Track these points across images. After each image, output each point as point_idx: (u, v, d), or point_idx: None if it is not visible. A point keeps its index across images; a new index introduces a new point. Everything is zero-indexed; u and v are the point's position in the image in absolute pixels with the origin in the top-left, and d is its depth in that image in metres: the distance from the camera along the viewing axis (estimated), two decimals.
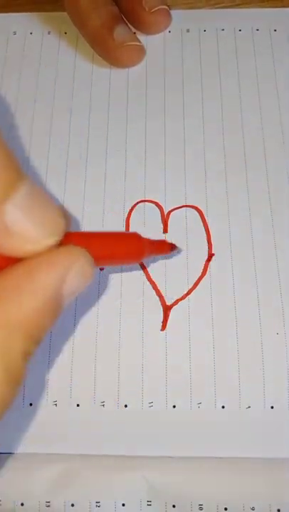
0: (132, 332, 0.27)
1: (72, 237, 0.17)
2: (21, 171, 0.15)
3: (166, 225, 0.29)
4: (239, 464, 0.25)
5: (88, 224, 0.29)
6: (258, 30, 0.34)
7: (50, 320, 0.16)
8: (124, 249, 0.21)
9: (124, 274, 0.28)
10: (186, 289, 0.27)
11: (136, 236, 0.22)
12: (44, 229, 0.15)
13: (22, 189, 0.15)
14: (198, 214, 0.29)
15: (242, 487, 0.24)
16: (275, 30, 0.34)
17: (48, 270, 0.16)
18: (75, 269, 0.16)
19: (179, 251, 0.26)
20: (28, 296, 0.15)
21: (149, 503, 0.24)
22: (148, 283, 0.27)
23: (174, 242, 0.25)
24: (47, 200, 0.16)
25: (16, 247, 0.15)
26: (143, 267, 0.28)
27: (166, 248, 0.24)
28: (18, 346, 0.15)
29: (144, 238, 0.22)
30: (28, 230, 0.15)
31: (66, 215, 0.17)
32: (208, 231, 0.29)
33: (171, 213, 0.29)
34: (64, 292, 0.16)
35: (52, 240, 0.16)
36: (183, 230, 0.29)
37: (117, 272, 0.28)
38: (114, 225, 0.29)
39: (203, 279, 0.27)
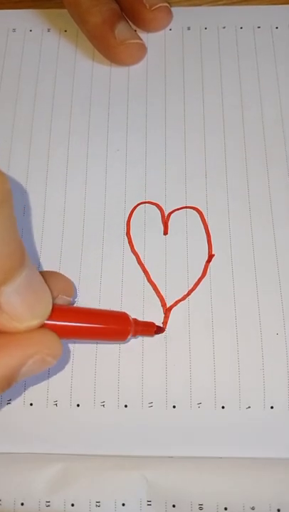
0: None
1: (55, 311, 0.19)
2: (25, 256, 0.17)
3: (166, 227, 0.29)
4: (239, 464, 0.25)
5: (89, 225, 0.29)
6: (259, 27, 0.34)
7: None
8: (110, 328, 0.23)
9: (125, 275, 0.28)
10: (186, 289, 0.27)
11: (124, 316, 0.23)
12: (32, 312, 0.17)
13: (22, 275, 0.16)
14: (198, 215, 0.29)
15: (242, 487, 0.24)
16: (276, 28, 0.34)
17: (13, 353, 0.17)
18: (38, 356, 0.18)
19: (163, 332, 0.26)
20: None
21: (149, 503, 0.24)
22: (148, 284, 0.27)
23: (161, 326, 0.26)
24: (41, 287, 0.18)
25: (2, 323, 0.17)
26: (143, 268, 0.28)
27: (152, 330, 0.25)
28: None
29: (131, 319, 0.23)
30: (18, 311, 0.17)
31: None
32: (208, 232, 0.28)
33: (172, 214, 0.29)
34: (20, 373, 0.18)
35: (35, 323, 0.18)
36: (183, 231, 0.29)
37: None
38: (115, 226, 0.29)
39: (203, 279, 0.27)
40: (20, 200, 0.30)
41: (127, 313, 0.23)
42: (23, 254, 0.17)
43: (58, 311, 0.19)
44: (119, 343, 0.26)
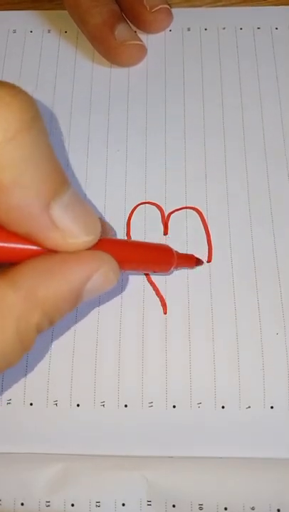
0: (133, 333, 0.27)
1: (105, 243, 0.19)
2: (65, 174, 0.17)
3: (166, 227, 0.29)
4: (239, 464, 0.25)
5: None
6: (259, 28, 0.34)
7: (68, 308, 0.18)
8: (155, 258, 0.24)
9: (125, 275, 0.28)
10: (186, 290, 0.27)
11: (167, 248, 0.24)
12: (84, 227, 0.18)
13: (68, 191, 0.17)
14: (198, 215, 0.29)
15: (242, 487, 0.24)
16: (276, 29, 0.34)
17: (78, 266, 0.18)
18: (100, 271, 0.18)
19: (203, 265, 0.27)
20: (56, 282, 0.18)
21: (149, 503, 0.24)
22: (148, 285, 0.27)
23: (200, 259, 0.27)
24: (87, 205, 0.18)
25: (57, 240, 0.17)
26: None
27: (192, 262, 0.26)
28: (35, 319, 0.17)
29: (174, 251, 0.24)
30: (70, 226, 0.17)
31: (105, 224, 0.20)
32: (208, 232, 0.28)
33: (172, 215, 0.29)
34: (86, 288, 0.18)
35: (89, 238, 0.18)
36: (183, 232, 0.29)
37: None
38: (115, 226, 0.29)
39: (203, 280, 0.27)
40: None
41: (169, 245, 0.24)
42: (64, 172, 0.17)
43: (106, 241, 0.20)
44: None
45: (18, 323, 0.17)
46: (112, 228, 0.26)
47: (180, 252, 0.25)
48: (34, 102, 0.16)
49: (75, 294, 0.18)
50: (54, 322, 0.19)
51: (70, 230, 0.17)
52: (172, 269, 0.25)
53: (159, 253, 0.24)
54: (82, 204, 0.18)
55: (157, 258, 0.24)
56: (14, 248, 0.17)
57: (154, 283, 0.27)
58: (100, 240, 0.19)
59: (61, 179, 0.17)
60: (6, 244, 0.17)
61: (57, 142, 0.31)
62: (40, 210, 0.17)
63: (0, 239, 0.17)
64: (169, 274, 0.27)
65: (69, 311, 0.19)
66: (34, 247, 0.18)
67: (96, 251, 0.19)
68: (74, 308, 0.19)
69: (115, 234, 0.28)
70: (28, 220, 0.17)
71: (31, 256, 0.18)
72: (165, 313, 0.27)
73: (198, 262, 0.26)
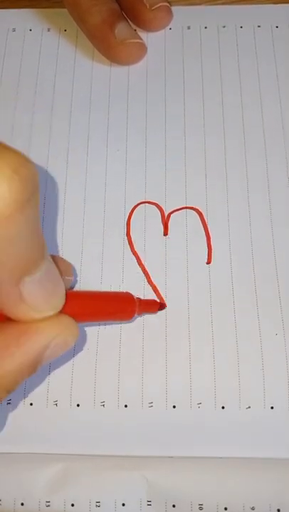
0: (132, 332, 0.26)
1: (69, 297, 0.19)
2: (45, 249, 0.17)
3: (166, 227, 0.29)
4: (239, 464, 0.25)
5: (89, 226, 0.29)
6: (259, 26, 0.34)
7: (26, 376, 0.19)
8: (117, 308, 0.24)
9: (125, 276, 0.28)
10: (186, 290, 0.27)
11: (129, 297, 0.24)
12: (50, 303, 0.18)
13: (43, 267, 0.17)
14: (198, 215, 0.29)
15: (242, 487, 0.24)
16: (276, 27, 0.34)
17: (35, 337, 0.18)
18: (58, 338, 0.19)
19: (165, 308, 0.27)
20: (12, 359, 0.18)
21: (149, 503, 0.24)
22: (148, 285, 0.27)
23: (163, 302, 0.27)
24: (57, 279, 0.18)
25: (20, 312, 0.18)
26: (143, 268, 0.28)
27: (156, 307, 0.26)
28: None
29: (135, 298, 0.24)
30: (37, 302, 0.18)
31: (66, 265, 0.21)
32: (208, 232, 0.28)
33: (172, 215, 0.29)
34: (44, 356, 0.19)
35: (52, 313, 0.19)
36: (183, 232, 0.29)
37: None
38: (115, 226, 0.29)
39: (203, 280, 0.27)
40: None
41: (130, 292, 0.24)
42: (44, 247, 0.17)
43: (67, 295, 0.20)
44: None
45: None
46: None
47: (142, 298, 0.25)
48: (36, 176, 0.15)
49: (33, 364, 0.19)
50: (12, 391, 0.19)
51: (36, 306, 0.18)
52: (135, 315, 0.24)
53: (121, 303, 0.24)
54: (53, 279, 0.18)
55: (119, 308, 0.24)
56: None
57: (154, 284, 0.27)
58: None
59: (39, 255, 0.17)
60: None
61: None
62: (10, 285, 0.17)
63: None
64: (131, 322, 0.26)
65: (27, 378, 0.19)
66: None
67: (55, 318, 0.19)
68: (33, 373, 0.19)
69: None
70: None
71: None
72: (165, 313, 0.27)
73: (161, 306, 0.26)
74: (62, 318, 0.19)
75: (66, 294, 0.19)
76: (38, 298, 0.18)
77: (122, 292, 0.24)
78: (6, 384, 0.18)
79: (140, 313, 0.25)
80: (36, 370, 0.19)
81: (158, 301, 0.27)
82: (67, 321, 0.19)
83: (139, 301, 0.24)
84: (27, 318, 0.18)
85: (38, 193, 0.16)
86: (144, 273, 0.28)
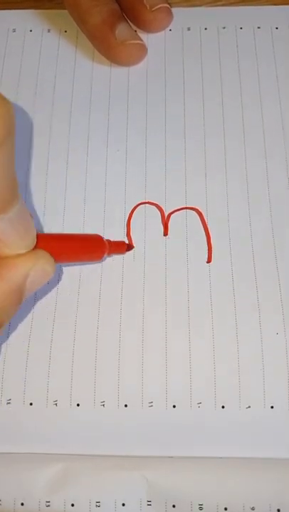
0: (133, 333, 0.27)
1: (40, 238, 0.21)
2: (17, 190, 0.18)
3: (166, 228, 0.29)
4: (239, 464, 0.25)
5: (89, 226, 0.29)
6: (259, 27, 0.34)
7: (13, 307, 0.21)
8: (88, 248, 0.25)
9: (125, 275, 0.28)
10: (186, 289, 0.27)
11: (98, 238, 0.26)
12: (22, 241, 0.20)
13: (16, 207, 0.18)
14: (198, 216, 0.29)
15: (242, 487, 0.24)
16: (276, 28, 0.34)
17: (15, 268, 0.20)
18: (36, 268, 0.20)
19: (133, 249, 0.28)
20: None
21: (149, 503, 0.24)
22: (148, 285, 0.27)
23: (131, 243, 0.28)
24: (29, 219, 0.20)
25: None
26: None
27: (123, 248, 0.28)
28: None
29: (105, 240, 0.26)
30: (10, 239, 0.19)
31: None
32: (208, 232, 0.28)
33: (172, 215, 0.29)
34: (27, 285, 0.20)
35: (24, 251, 0.20)
36: (183, 232, 0.29)
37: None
38: (115, 226, 0.29)
39: (203, 279, 0.27)
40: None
41: (100, 235, 0.26)
42: (17, 188, 0.18)
43: (41, 236, 0.21)
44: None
45: None
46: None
47: (111, 240, 0.27)
48: (12, 116, 0.16)
49: (17, 292, 0.20)
50: (3, 323, 0.21)
51: (9, 243, 0.19)
52: (105, 256, 0.27)
53: (91, 243, 0.26)
54: (25, 218, 0.19)
55: (90, 248, 0.26)
56: None
57: (153, 284, 0.27)
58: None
59: (12, 195, 0.18)
60: None
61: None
62: None
63: None
64: (101, 262, 0.28)
65: (15, 309, 0.21)
66: None
67: (31, 251, 0.20)
68: (19, 305, 0.21)
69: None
70: None
71: None
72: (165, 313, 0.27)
73: (128, 247, 0.28)
74: (36, 250, 0.21)
75: (38, 235, 0.21)
76: (11, 236, 0.19)
77: (92, 234, 0.26)
78: None
79: (110, 254, 0.27)
80: (22, 300, 0.21)
81: (126, 242, 0.28)
82: (41, 252, 0.21)
83: (108, 242, 0.26)
84: (1, 254, 0.19)
85: (14, 131, 0.16)
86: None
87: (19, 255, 0.20)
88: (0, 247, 0.19)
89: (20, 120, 0.32)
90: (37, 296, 0.27)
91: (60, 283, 0.28)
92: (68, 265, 0.28)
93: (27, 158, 0.31)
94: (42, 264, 0.20)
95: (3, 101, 0.15)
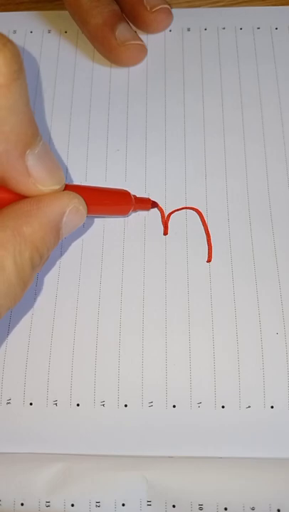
0: (133, 332, 0.27)
1: (71, 187, 0.22)
2: (38, 129, 0.19)
3: (166, 227, 0.29)
4: (239, 464, 0.25)
5: (89, 226, 0.29)
6: (259, 28, 0.34)
7: (52, 241, 0.21)
8: (115, 201, 0.26)
9: (125, 275, 0.28)
10: (186, 289, 0.27)
11: (126, 192, 0.27)
12: (53, 177, 0.20)
13: (40, 143, 0.19)
14: (198, 216, 0.29)
15: (242, 487, 0.24)
16: (276, 29, 0.34)
17: (52, 203, 0.20)
18: (71, 206, 0.21)
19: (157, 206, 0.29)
20: (36, 219, 0.20)
21: (149, 503, 0.24)
22: (148, 284, 0.27)
23: (155, 201, 0.29)
24: (54, 157, 0.20)
25: (29, 186, 0.20)
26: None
27: (148, 204, 0.28)
28: (28, 253, 0.19)
29: (132, 195, 0.27)
30: (41, 175, 0.19)
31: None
32: (208, 232, 0.28)
33: (172, 215, 0.29)
34: (64, 222, 0.21)
35: (57, 187, 0.21)
36: (183, 232, 0.29)
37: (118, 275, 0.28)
38: (115, 226, 0.29)
39: (203, 278, 0.27)
40: None
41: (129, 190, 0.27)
42: (37, 125, 0.19)
43: (70, 186, 0.22)
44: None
45: (15, 259, 0.19)
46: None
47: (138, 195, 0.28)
48: (20, 53, 0.17)
49: (55, 228, 0.21)
50: (44, 257, 0.21)
51: (41, 178, 0.20)
52: (131, 211, 0.27)
53: (119, 196, 0.27)
54: (51, 156, 0.20)
55: (117, 200, 0.26)
56: None
57: (153, 284, 0.27)
58: (66, 185, 0.21)
59: (35, 131, 0.19)
60: None
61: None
62: (16, 158, 0.18)
63: None
64: (127, 216, 0.29)
65: (54, 245, 0.21)
66: (8, 195, 0.20)
67: (64, 191, 0.21)
68: (58, 242, 0.21)
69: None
70: (5, 166, 0.19)
71: (8, 203, 0.20)
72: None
73: (153, 204, 0.29)
74: (70, 192, 0.21)
75: (67, 185, 0.22)
76: (42, 171, 0.19)
77: (120, 188, 0.27)
78: (36, 240, 0.20)
79: (135, 210, 0.28)
80: (59, 239, 0.21)
81: (151, 199, 0.29)
82: (74, 193, 0.21)
83: (134, 197, 0.27)
84: (35, 192, 0.20)
85: (24, 68, 0.17)
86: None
87: (54, 193, 0.21)
88: (33, 183, 0.20)
89: None
90: (36, 295, 0.27)
91: (59, 282, 0.28)
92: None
93: None
94: (76, 204, 0.21)
95: (10, 40, 0.17)
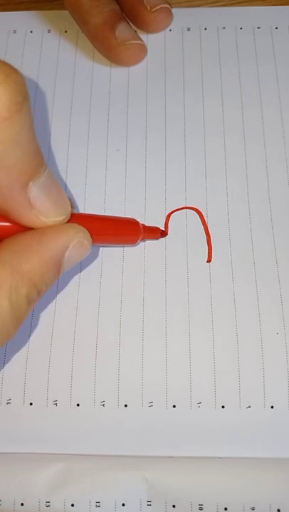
0: (133, 333, 0.27)
1: (77, 218, 0.21)
2: (43, 156, 0.18)
3: (166, 227, 0.29)
4: (239, 464, 0.25)
5: None
6: (259, 28, 0.34)
7: (52, 277, 0.20)
8: (123, 231, 0.26)
9: (125, 275, 0.28)
10: (186, 289, 0.27)
11: (134, 221, 0.26)
12: (57, 208, 0.19)
13: (45, 172, 0.18)
14: (198, 215, 0.29)
15: (242, 487, 0.24)
16: (276, 28, 0.34)
17: (56, 237, 0.20)
18: (75, 240, 0.20)
19: (166, 236, 0.29)
20: (37, 254, 0.19)
21: (149, 503, 0.24)
22: (148, 286, 0.27)
23: (166, 231, 0.28)
24: (60, 186, 0.20)
25: (32, 218, 0.19)
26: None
27: (158, 234, 0.28)
28: (25, 290, 0.19)
29: (140, 224, 0.26)
30: (45, 206, 0.19)
31: (72, 203, 0.21)
32: (208, 232, 0.28)
33: (172, 215, 0.29)
34: (66, 257, 0.20)
35: (61, 218, 0.20)
36: (183, 232, 0.29)
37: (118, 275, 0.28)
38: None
39: (203, 279, 0.27)
40: None
41: (136, 219, 0.26)
42: (42, 154, 0.18)
43: (77, 216, 0.22)
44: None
45: (10, 296, 0.18)
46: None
47: (146, 225, 0.27)
48: (25, 82, 0.17)
49: (57, 264, 0.20)
50: (42, 293, 0.20)
51: (44, 210, 0.19)
52: (139, 241, 0.27)
53: (127, 226, 0.26)
54: (56, 185, 0.19)
55: (125, 230, 0.26)
56: None
57: (153, 284, 0.27)
58: (71, 215, 0.21)
59: (40, 160, 0.18)
60: None
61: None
62: (19, 190, 0.18)
63: None
64: (135, 246, 0.28)
65: (53, 281, 0.20)
66: (7, 224, 0.19)
67: (69, 224, 0.20)
68: (58, 276, 0.21)
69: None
70: (7, 198, 0.18)
71: (9, 234, 0.19)
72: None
73: (162, 233, 0.28)
74: (73, 224, 0.21)
75: (73, 215, 0.21)
76: (45, 202, 0.19)
77: (128, 217, 0.26)
78: (35, 277, 0.19)
79: (144, 239, 0.27)
80: (60, 273, 0.21)
81: (160, 228, 0.28)
82: (79, 227, 0.21)
83: (143, 227, 0.26)
84: (38, 224, 0.19)
85: (29, 98, 0.17)
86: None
87: (58, 226, 0.20)
88: (36, 215, 0.19)
89: None
90: None
91: (59, 284, 0.28)
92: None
93: None
94: (81, 238, 0.20)
95: (16, 70, 0.16)
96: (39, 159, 0.18)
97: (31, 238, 0.19)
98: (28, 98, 0.17)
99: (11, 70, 0.16)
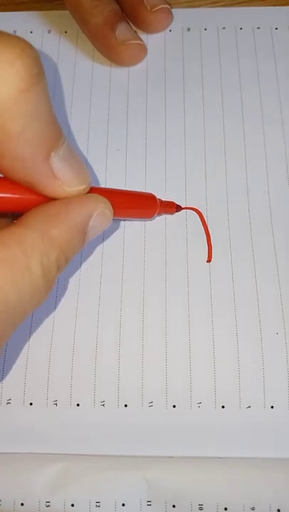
0: (133, 333, 0.27)
1: (97, 190, 0.22)
2: (62, 130, 0.19)
3: (166, 227, 0.29)
4: (239, 464, 0.25)
5: None
6: (258, 28, 0.34)
7: (78, 244, 0.21)
8: (141, 204, 0.26)
9: (125, 275, 0.28)
10: (186, 289, 0.27)
11: (151, 196, 0.27)
12: (78, 177, 0.20)
13: (64, 144, 0.19)
14: (198, 215, 0.29)
15: (242, 487, 0.24)
16: (276, 29, 0.34)
17: (80, 206, 0.20)
18: (98, 209, 0.21)
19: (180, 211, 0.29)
20: (64, 222, 0.20)
21: (149, 503, 0.24)
22: (148, 286, 0.27)
23: (180, 205, 0.29)
24: (79, 158, 0.20)
25: (55, 188, 0.20)
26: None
27: (173, 208, 0.28)
28: (54, 255, 0.19)
29: (157, 198, 0.27)
30: (67, 176, 0.19)
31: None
32: (208, 232, 0.28)
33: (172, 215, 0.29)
34: (90, 225, 0.21)
35: (83, 187, 0.20)
36: (183, 232, 0.29)
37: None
38: (116, 227, 0.29)
39: (203, 279, 0.27)
40: None
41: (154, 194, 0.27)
42: (60, 126, 0.19)
43: (97, 189, 0.22)
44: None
45: (42, 261, 0.19)
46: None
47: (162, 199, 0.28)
48: (40, 57, 0.17)
49: (82, 231, 0.21)
50: (69, 259, 0.21)
51: (67, 180, 0.20)
52: (155, 215, 0.27)
53: (145, 199, 0.27)
54: (76, 156, 0.20)
55: (142, 204, 0.26)
56: (21, 198, 0.20)
57: (153, 284, 0.27)
58: (91, 188, 0.21)
59: (59, 132, 0.19)
60: (12, 195, 0.20)
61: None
62: (41, 161, 0.18)
63: (7, 190, 0.19)
64: (151, 220, 0.29)
65: (79, 249, 0.21)
66: (36, 197, 0.20)
67: (92, 194, 0.21)
68: (83, 245, 0.21)
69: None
70: (31, 170, 0.19)
71: (35, 205, 0.20)
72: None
73: (178, 208, 0.29)
74: (97, 195, 0.21)
75: (93, 188, 0.21)
76: (67, 172, 0.19)
77: (145, 192, 0.27)
78: (63, 244, 0.20)
79: (160, 213, 0.28)
80: (85, 242, 0.21)
81: (176, 203, 0.29)
82: (100, 197, 0.21)
83: (160, 201, 0.27)
84: (62, 194, 0.20)
85: (44, 72, 0.17)
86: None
87: (81, 196, 0.20)
88: (60, 185, 0.20)
89: None
90: None
91: (59, 282, 0.28)
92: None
93: None
94: (103, 208, 0.21)
95: (31, 45, 0.17)
96: (58, 131, 0.19)
97: (58, 207, 0.20)
98: (43, 72, 0.17)
99: (26, 45, 0.17)
